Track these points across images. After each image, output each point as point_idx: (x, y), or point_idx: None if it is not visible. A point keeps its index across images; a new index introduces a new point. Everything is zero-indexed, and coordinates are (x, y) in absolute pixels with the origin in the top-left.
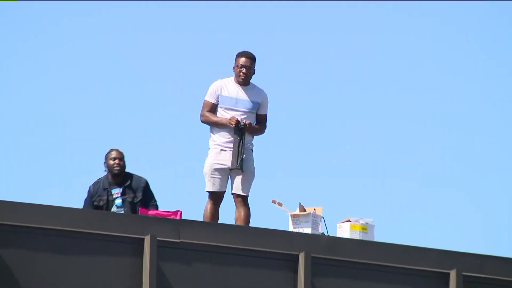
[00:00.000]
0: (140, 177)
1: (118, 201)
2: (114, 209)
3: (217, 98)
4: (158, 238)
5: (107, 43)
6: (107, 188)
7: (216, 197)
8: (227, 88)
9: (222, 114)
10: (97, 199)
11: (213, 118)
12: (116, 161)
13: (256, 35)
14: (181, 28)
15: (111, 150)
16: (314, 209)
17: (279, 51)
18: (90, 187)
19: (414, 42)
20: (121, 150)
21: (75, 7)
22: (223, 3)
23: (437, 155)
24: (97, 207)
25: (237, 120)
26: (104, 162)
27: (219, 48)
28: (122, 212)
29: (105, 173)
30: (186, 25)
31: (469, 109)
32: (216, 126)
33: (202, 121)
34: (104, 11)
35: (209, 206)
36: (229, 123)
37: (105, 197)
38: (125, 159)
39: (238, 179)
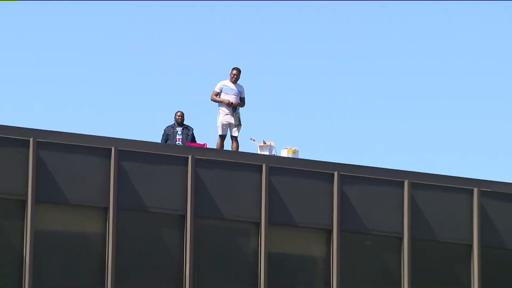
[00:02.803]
0: (190, 126)
1: (179, 133)
2: (177, 136)
3: (221, 89)
4: (195, 156)
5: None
6: (174, 128)
7: (222, 137)
8: (226, 84)
9: (224, 96)
10: (168, 131)
11: (217, 98)
12: (179, 116)
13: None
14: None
15: (178, 111)
16: (270, 142)
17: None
18: (165, 127)
19: None
20: (182, 111)
21: None
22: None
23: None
24: (167, 136)
25: (229, 101)
26: (174, 117)
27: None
28: (181, 137)
29: (173, 122)
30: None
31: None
32: (219, 102)
33: (211, 100)
34: None
35: (219, 141)
36: (226, 103)
37: (172, 131)
38: (184, 117)
39: (234, 128)
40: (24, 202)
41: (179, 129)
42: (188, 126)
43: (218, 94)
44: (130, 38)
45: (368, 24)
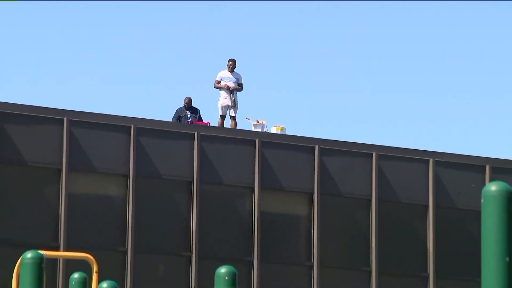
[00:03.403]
0: (197, 108)
1: (188, 116)
2: (187, 119)
3: (221, 78)
4: (200, 133)
5: None
6: (184, 111)
7: (222, 117)
8: (225, 74)
9: (223, 83)
10: (180, 113)
11: (218, 85)
12: (187, 102)
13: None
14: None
15: (186, 97)
16: (263, 121)
17: None
18: (177, 109)
19: None
20: (190, 97)
21: None
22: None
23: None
24: (179, 117)
25: (227, 85)
26: (184, 101)
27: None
28: (189, 120)
29: (182, 105)
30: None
31: None
32: (220, 88)
33: (214, 87)
34: None
35: (219, 121)
36: (225, 87)
37: (183, 114)
38: (192, 102)
39: (232, 109)
40: (60, 170)
41: (188, 112)
42: (196, 108)
43: (219, 82)
44: (150, 25)
45: (344, 4)
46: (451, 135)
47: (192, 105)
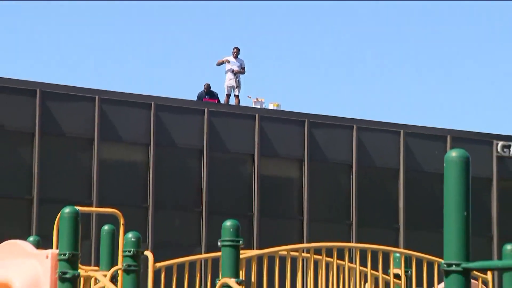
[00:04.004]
0: (215, 92)
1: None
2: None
3: (226, 61)
4: (210, 109)
5: None
6: (204, 94)
7: (228, 96)
8: (230, 59)
9: (228, 68)
10: (200, 96)
11: (219, 61)
12: (206, 87)
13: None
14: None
15: (206, 83)
16: (262, 99)
17: None
18: (198, 93)
19: None
20: (208, 83)
21: None
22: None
23: None
24: (199, 97)
25: (227, 59)
26: (204, 86)
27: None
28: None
29: (203, 88)
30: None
31: None
32: (221, 64)
33: (216, 64)
34: None
35: (226, 99)
36: (225, 60)
37: (203, 97)
38: (210, 87)
39: (236, 89)
40: (92, 140)
41: (207, 96)
42: (214, 93)
43: (222, 63)
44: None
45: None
46: (418, 110)
47: (211, 89)
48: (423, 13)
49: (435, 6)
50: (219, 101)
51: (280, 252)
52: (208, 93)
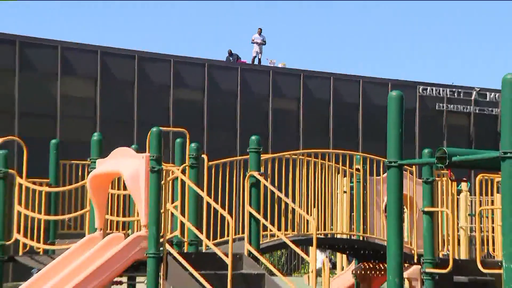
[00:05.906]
0: (236, 54)
1: (230, 59)
2: (230, 60)
3: (254, 37)
4: (241, 67)
5: None
6: (229, 57)
7: (253, 58)
8: (256, 36)
9: (255, 41)
10: (228, 58)
11: (253, 40)
12: (230, 52)
13: None
14: None
15: (228, 50)
16: (273, 60)
17: None
18: (226, 56)
19: None
20: (230, 49)
21: None
22: None
23: None
24: (227, 60)
25: (257, 41)
26: (228, 52)
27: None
28: (232, 60)
29: (227, 55)
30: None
31: None
32: (253, 41)
33: (251, 42)
34: None
35: (252, 60)
36: (254, 41)
37: (229, 58)
38: (232, 52)
39: (260, 54)
40: (133, 84)
41: (231, 58)
42: (233, 54)
43: (253, 40)
44: None
45: None
46: (378, 60)
47: (233, 52)
48: None
49: None
50: (255, 61)
51: (285, 156)
52: (231, 55)
